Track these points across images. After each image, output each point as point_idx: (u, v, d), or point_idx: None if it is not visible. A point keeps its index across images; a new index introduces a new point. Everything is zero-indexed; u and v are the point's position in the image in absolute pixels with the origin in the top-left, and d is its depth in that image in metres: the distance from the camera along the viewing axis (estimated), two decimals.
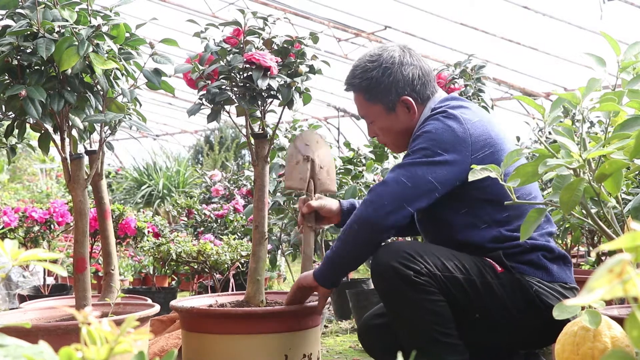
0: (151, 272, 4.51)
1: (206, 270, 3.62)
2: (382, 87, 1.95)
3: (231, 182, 6.54)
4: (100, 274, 4.75)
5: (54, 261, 3.29)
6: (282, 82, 2.12)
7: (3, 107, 2.00)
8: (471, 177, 1.40)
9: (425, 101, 2.00)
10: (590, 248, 3.70)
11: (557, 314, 1.25)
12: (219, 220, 5.32)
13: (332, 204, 2.15)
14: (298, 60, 2.18)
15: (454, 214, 1.89)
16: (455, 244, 1.87)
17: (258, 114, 2.26)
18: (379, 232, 1.82)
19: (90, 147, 2.29)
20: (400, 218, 1.81)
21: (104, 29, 1.88)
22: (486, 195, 1.85)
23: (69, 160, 2.07)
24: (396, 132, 2.02)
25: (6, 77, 1.92)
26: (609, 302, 1.83)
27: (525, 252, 1.86)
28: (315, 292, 2.02)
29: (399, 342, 1.85)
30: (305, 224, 2.15)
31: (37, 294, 3.78)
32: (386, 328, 1.99)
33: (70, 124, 2.04)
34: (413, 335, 1.78)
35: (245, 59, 2.07)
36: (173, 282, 4.93)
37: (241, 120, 2.34)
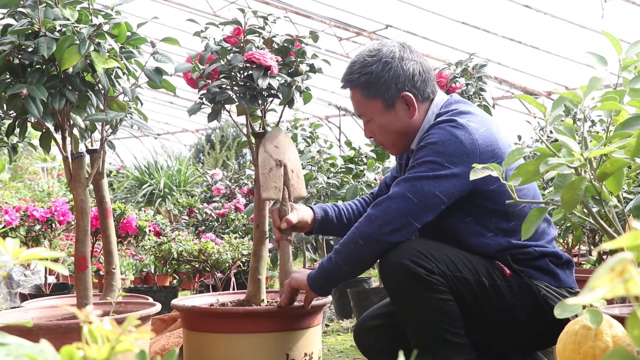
0: (152, 271, 4.52)
1: (207, 269, 3.63)
2: (382, 82, 1.89)
3: (232, 181, 6.54)
4: (101, 272, 4.75)
5: (55, 260, 3.30)
6: (283, 81, 2.11)
7: (4, 106, 2.00)
8: (472, 177, 1.39)
9: (426, 100, 1.94)
10: (592, 247, 3.70)
11: (559, 313, 1.25)
12: (220, 219, 5.32)
13: (307, 215, 2.06)
14: (298, 59, 2.17)
15: (458, 223, 1.87)
16: (460, 247, 1.87)
17: (259, 113, 2.26)
18: (385, 248, 1.80)
19: (92, 146, 2.29)
20: (406, 234, 1.80)
21: (105, 27, 1.88)
22: (492, 205, 1.84)
23: (70, 159, 2.07)
24: (394, 132, 1.94)
25: (7, 76, 1.93)
26: (610, 301, 1.83)
27: (535, 259, 1.85)
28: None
29: (399, 343, 1.85)
30: (282, 237, 2.05)
31: (38, 292, 3.78)
32: (383, 330, 1.98)
33: (72, 122, 2.04)
34: (421, 334, 1.78)
35: (245, 58, 2.07)
36: (174, 281, 4.92)
37: (242, 119, 2.34)
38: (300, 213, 2.05)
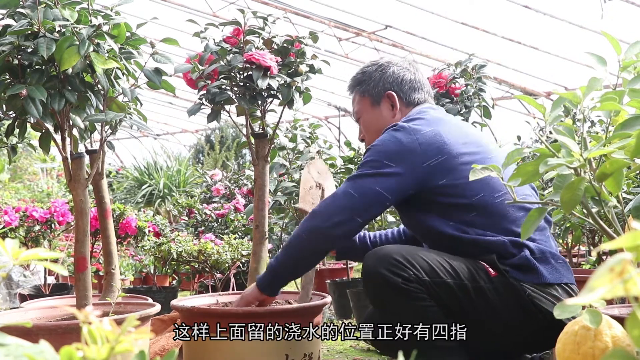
0: (152, 272, 4.51)
1: (207, 269, 3.63)
2: (372, 80, 2.10)
3: (232, 181, 6.54)
4: (101, 273, 4.75)
5: (55, 260, 3.29)
6: (282, 82, 2.11)
7: (4, 106, 2.01)
8: (472, 177, 1.40)
9: (410, 105, 2.08)
10: (591, 247, 3.70)
11: (558, 313, 1.25)
12: (219, 220, 5.32)
13: None
14: (298, 60, 2.17)
15: (427, 218, 1.91)
16: (444, 241, 1.88)
17: (258, 113, 2.26)
18: (328, 242, 1.90)
19: (91, 146, 2.29)
20: (350, 228, 1.88)
21: (105, 28, 1.88)
22: (448, 199, 1.86)
23: (69, 160, 2.07)
24: (376, 129, 2.08)
25: (7, 77, 1.93)
26: (609, 302, 1.82)
27: (512, 255, 1.82)
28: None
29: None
30: None
31: (38, 293, 3.78)
32: None
33: (71, 123, 2.04)
34: (408, 340, 1.77)
35: (245, 59, 2.07)
36: (174, 282, 4.93)
37: (241, 120, 2.34)
38: None
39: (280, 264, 1.96)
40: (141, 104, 2.23)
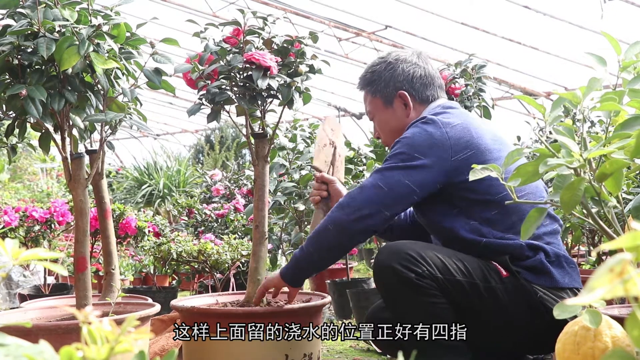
0: (152, 272, 4.51)
1: (207, 269, 3.63)
2: (382, 80, 2.05)
3: (232, 181, 6.54)
4: (100, 273, 4.75)
5: (55, 260, 3.29)
6: (282, 82, 2.11)
7: (4, 106, 2.00)
8: (472, 177, 1.40)
9: (424, 102, 2.05)
10: (591, 248, 3.70)
11: (558, 313, 1.25)
12: (219, 220, 5.31)
13: (342, 188, 2.22)
14: (298, 60, 2.17)
15: (448, 217, 1.89)
16: (458, 243, 1.87)
17: (258, 113, 2.26)
18: (352, 235, 1.86)
19: (91, 146, 2.29)
20: (377, 222, 1.84)
21: (105, 28, 1.88)
22: (473, 195, 1.85)
23: (69, 160, 2.07)
24: (391, 129, 2.06)
25: (7, 77, 1.92)
26: (609, 302, 1.82)
27: (526, 258, 1.82)
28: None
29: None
30: (318, 206, 2.25)
31: (37, 293, 3.78)
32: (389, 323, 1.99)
33: (71, 123, 2.04)
34: (414, 336, 1.77)
35: (245, 59, 2.07)
36: (174, 282, 4.92)
37: (241, 120, 2.34)
38: (338, 184, 2.22)
39: (306, 254, 1.92)
40: (141, 104, 2.23)
